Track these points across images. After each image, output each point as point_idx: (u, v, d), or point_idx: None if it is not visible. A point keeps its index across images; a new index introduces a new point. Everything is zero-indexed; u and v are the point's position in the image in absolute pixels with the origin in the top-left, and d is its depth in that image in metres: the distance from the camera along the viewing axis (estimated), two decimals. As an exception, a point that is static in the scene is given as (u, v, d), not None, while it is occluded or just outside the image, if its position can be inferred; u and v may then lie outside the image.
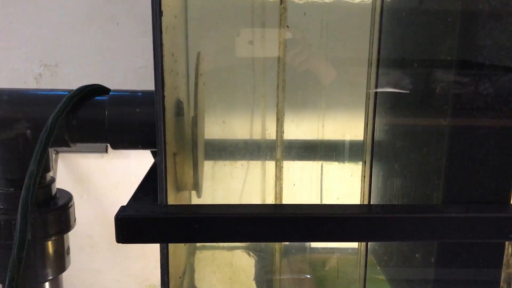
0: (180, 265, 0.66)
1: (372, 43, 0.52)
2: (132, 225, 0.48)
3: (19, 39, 1.31)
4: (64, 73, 1.31)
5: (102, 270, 1.40)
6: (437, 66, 0.51)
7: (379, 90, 0.50)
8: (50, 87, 1.36)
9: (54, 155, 1.31)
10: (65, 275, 0.64)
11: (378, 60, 0.49)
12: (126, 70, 1.27)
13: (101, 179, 1.34)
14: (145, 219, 0.48)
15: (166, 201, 0.51)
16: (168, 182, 0.52)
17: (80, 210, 1.41)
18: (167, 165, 0.51)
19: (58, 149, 1.20)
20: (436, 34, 0.51)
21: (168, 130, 0.51)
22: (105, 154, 1.33)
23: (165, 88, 0.49)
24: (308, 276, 0.78)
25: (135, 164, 1.30)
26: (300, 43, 0.66)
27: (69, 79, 1.31)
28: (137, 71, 1.28)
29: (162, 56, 0.48)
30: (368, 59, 0.52)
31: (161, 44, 0.48)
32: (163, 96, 0.49)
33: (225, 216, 0.48)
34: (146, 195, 0.53)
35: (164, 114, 0.49)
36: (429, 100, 0.52)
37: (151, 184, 0.54)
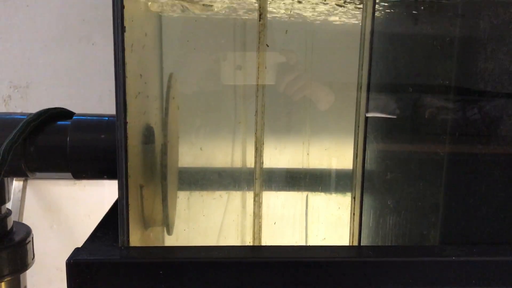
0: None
1: (362, 66, 0.47)
2: (86, 271, 0.41)
3: (-14, 59, 1.26)
4: (35, 95, 1.25)
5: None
6: (433, 90, 0.47)
7: (369, 115, 0.45)
8: (20, 110, 1.32)
9: (22, 183, 1.24)
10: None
11: (368, 84, 0.44)
12: (102, 92, 1.22)
13: (72, 208, 1.27)
14: (101, 263, 0.41)
15: (128, 242, 0.44)
16: (132, 219, 0.46)
17: (50, 241, 1.35)
18: (131, 200, 0.45)
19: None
20: (432, 57, 0.46)
21: (132, 160, 0.46)
22: (77, 181, 1.26)
23: (128, 113, 0.44)
24: None
25: (109, 192, 1.23)
26: (295, 68, 0.62)
27: (41, 102, 1.25)
28: (113, 94, 1.21)
29: (124, 77, 0.43)
30: (358, 82, 0.47)
31: (124, 63, 0.42)
32: (125, 122, 0.43)
33: (194, 261, 0.42)
34: (105, 234, 0.47)
35: (126, 142, 0.43)
36: (425, 127, 0.47)
37: (114, 221, 0.48)
